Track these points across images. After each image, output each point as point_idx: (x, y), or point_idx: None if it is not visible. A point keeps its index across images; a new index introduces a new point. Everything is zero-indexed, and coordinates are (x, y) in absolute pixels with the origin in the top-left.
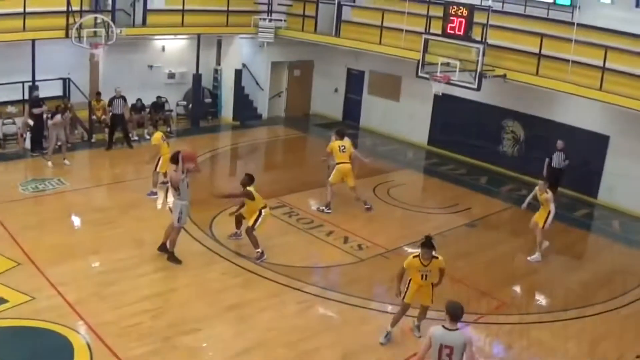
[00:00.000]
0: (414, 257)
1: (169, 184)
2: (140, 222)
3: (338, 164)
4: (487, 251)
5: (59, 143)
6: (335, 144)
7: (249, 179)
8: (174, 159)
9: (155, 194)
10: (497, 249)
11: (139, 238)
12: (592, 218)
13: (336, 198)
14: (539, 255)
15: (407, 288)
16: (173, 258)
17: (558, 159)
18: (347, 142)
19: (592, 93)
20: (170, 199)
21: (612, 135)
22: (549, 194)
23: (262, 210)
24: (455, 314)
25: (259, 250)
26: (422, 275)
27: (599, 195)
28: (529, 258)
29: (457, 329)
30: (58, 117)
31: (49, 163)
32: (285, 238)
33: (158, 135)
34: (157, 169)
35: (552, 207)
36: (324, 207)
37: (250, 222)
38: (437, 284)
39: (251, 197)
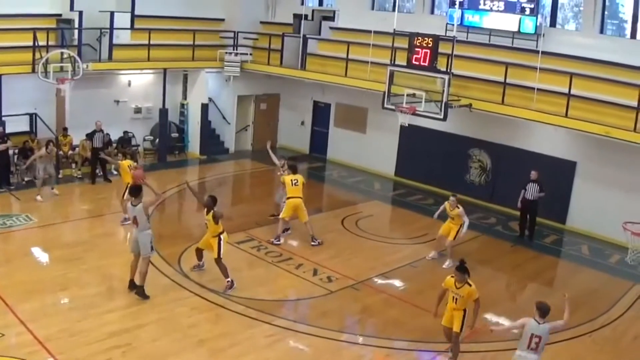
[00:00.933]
0: (451, 276)
1: (129, 217)
2: (108, 258)
3: (289, 198)
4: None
5: (45, 176)
6: (287, 177)
7: (214, 201)
8: (134, 191)
9: (128, 219)
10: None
11: (108, 273)
12: (561, 244)
13: (297, 231)
14: (450, 261)
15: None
16: (142, 293)
17: (532, 190)
18: (299, 176)
19: (558, 120)
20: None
21: (579, 161)
22: (460, 209)
23: (221, 236)
24: (544, 310)
25: (229, 280)
26: (454, 298)
27: (567, 221)
28: (444, 266)
29: (545, 323)
30: (43, 150)
31: (38, 197)
32: (255, 271)
33: (125, 163)
34: (125, 197)
35: (465, 219)
36: (273, 239)
37: (215, 253)
38: (474, 316)
39: (217, 220)
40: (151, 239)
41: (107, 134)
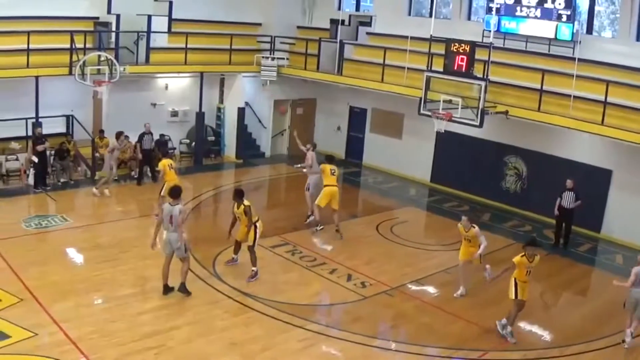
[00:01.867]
0: (522, 256)
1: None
2: (142, 260)
3: (326, 186)
4: (491, 288)
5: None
6: (327, 166)
7: (241, 195)
8: (175, 193)
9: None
10: (501, 285)
11: (141, 275)
12: (596, 253)
13: (332, 236)
14: (463, 289)
15: (516, 288)
16: (184, 289)
17: (568, 199)
18: (336, 167)
19: (594, 128)
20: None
21: (614, 170)
22: (476, 229)
23: (257, 224)
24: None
25: (255, 269)
26: (527, 272)
27: (602, 230)
28: (455, 294)
29: None
30: (116, 143)
31: (106, 191)
32: (289, 276)
33: (164, 161)
34: (162, 194)
35: (482, 240)
36: (317, 227)
37: (251, 240)
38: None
39: (248, 212)
40: (185, 240)
41: (167, 135)
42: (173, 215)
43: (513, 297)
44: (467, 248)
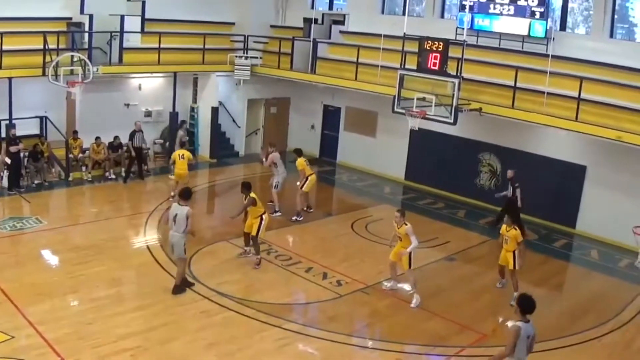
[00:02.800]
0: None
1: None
2: (117, 261)
3: (310, 175)
4: (467, 284)
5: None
6: (302, 159)
7: (248, 187)
8: (185, 195)
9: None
10: (477, 282)
11: (117, 277)
12: (571, 248)
13: (308, 235)
14: (417, 300)
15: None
16: (178, 289)
17: (511, 189)
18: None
19: (568, 124)
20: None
21: (588, 165)
22: (408, 226)
23: (263, 216)
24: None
25: (259, 257)
26: (505, 240)
27: (577, 225)
28: (411, 305)
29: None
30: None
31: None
32: (264, 275)
33: (175, 153)
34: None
35: (413, 240)
36: (296, 217)
37: (254, 232)
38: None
39: (255, 202)
40: (184, 242)
41: (116, 136)
42: (178, 214)
43: (514, 268)
44: (399, 247)
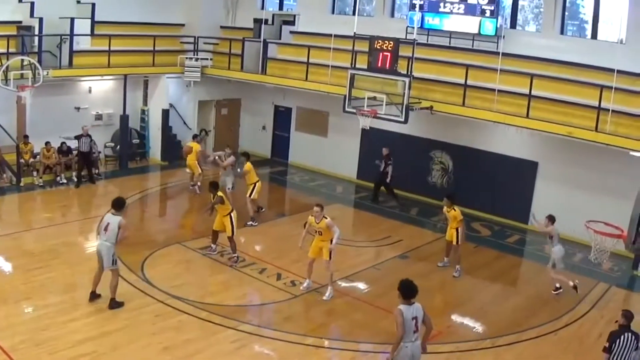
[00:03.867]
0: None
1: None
2: (71, 266)
3: (257, 182)
4: (421, 281)
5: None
6: (249, 163)
7: (215, 186)
8: (117, 204)
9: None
10: (431, 278)
11: (71, 282)
12: (524, 243)
13: (261, 236)
14: (331, 292)
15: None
16: (115, 304)
17: (382, 166)
18: None
19: (519, 121)
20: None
21: (540, 161)
22: (328, 219)
23: (231, 214)
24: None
25: (236, 255)
26: (446, 218)
27: (530, 221)
28: (324, 297)
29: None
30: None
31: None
32: (218, 277)
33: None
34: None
35: (335, 230)
36: (251, 222)
37: (229, 231)
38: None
39: (223, 201)
40: (113, 252)
41: (64, 142)
42: (110, 224)
43: (457, 243)
44: (318, 242)
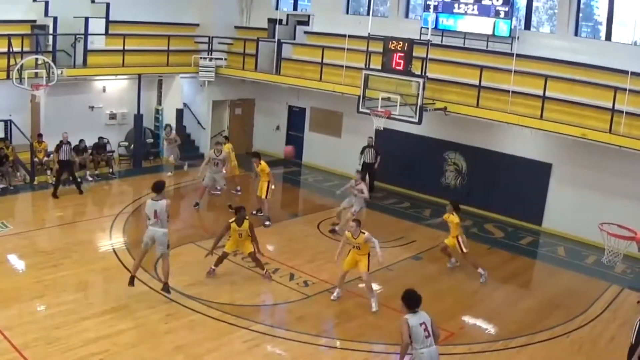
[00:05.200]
0: (451, 214)
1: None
2: (84, 265)
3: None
4: (434, 283)
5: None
6: (266, 165)
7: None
8: (158, 187)
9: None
10: (443, 280)
11: (84, 281)
12: (538, 245)
13: (274, 236)
14: (377, 302)
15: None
16: (168, 288)
17: (369, 155)
18: None
19: (532, 122)
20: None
21: (554, 163)
22: (366, 234)
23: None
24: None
25: (265, 271)
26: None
27: (543, 223)
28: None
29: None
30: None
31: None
32: (231, 277)
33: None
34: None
35: (375, 242)
36: (268, 222)
37: (248, 250)
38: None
39: (228, 227)
40: (167, 237)
41: (82, 140)
42: (157, 210)
43: (462, 252)
44: (354, 256)
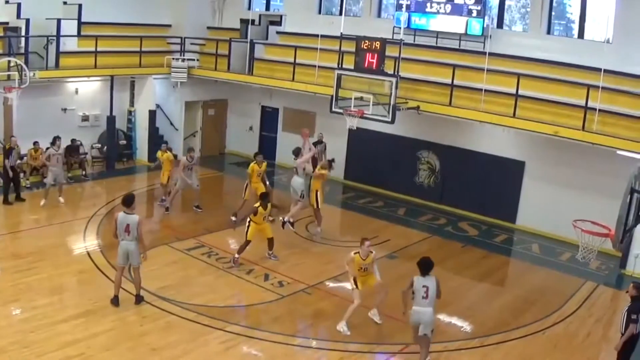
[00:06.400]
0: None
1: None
2: (58, 268)
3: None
4: (408, 281)
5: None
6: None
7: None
8: (128, 201)
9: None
10: None
11: (58, 284)
12: (512, 243)
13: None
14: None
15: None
16: (142, 298)
17: (320, 149)
18: None
19: (505, 120)
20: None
21: (527, 161)
22: (374, 253)
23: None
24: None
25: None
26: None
27: (517, 220)
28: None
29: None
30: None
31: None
32: (205, 278)
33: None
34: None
35: (375, 269)
36: (289, 220)
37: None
38: None
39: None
40: (140, 250)
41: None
42: (130, 224)
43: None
44: (364, 279)
